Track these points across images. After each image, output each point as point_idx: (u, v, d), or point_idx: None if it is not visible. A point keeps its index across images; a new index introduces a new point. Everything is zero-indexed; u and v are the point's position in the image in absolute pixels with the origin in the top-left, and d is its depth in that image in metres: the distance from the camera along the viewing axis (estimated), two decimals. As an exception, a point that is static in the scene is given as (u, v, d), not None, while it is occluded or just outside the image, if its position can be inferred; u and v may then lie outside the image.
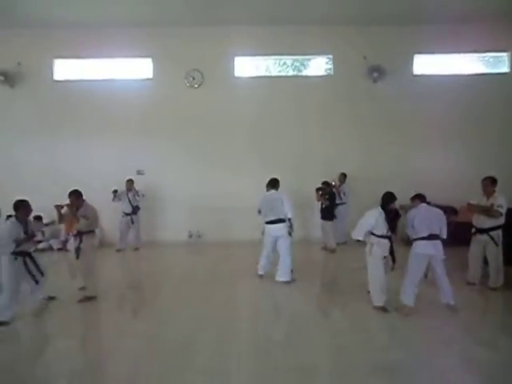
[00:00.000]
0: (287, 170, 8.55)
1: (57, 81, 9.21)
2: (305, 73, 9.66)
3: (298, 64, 9.68)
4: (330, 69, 9.40)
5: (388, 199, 4.83)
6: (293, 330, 4.42)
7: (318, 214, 8.32)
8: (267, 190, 6.24)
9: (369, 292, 4.98)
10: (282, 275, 6.03)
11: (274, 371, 3.48)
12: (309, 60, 9.65)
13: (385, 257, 4.78)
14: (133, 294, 5.96)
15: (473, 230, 5.74)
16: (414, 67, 9.23)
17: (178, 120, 9.18)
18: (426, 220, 4.68)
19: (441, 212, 4.84)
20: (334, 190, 8.36)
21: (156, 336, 4.26)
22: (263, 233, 6.24)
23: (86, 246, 5.50)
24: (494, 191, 5.56)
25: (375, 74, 8.93)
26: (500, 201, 5.44)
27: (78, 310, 5.16)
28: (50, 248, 8.76)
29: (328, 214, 8.11)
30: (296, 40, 9.06)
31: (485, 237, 5.55)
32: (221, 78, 9.19)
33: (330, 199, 8.07)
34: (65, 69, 9.31)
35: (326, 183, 8.28)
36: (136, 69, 9.35)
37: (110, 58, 9.28)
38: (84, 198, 5.53)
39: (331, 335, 4.24)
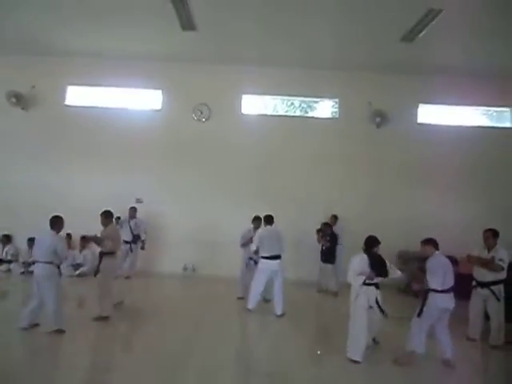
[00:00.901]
0: (286, 209, 8.55)
1: (68, 106, 9.44)
2: (311, 114, 9.85)
3: (304, 105, 9.90)
4: (335, 112, 9.60)
5: (371, 243, 4.68)
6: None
7: (319, 256, 8.17)
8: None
9: (373, 340, 4.77)
10: (280, 309, 6.14)
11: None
12: (316, 102, 9.87)
13: (370, 307, 4.52)
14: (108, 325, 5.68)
15: (473, 283, 5.54)
16: (418, 115, 9.40)
17: (183, 152, 9.28)
18: (446, 271, 4.44)
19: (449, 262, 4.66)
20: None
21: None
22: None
23: (105, 267, 5.65)
24: (496, 244, 5.42)
25: (378, 120, 9.10)
26: (501, 254, 5.28)
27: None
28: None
29: (329, 256, 7.91)
30: (304, 82, 9.33)
31: (486, 291, 5.34)
32: (228, 113, 9.38)
33: (330, 241, 7.92)
34: (77, 95, 9.57)
35: (326, 224, 8.19)
36: (146, 100, 9.60)
37: (121, 88, 9.55)
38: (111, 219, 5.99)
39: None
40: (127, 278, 8.38)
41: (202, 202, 9.17)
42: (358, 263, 4.57)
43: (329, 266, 7.92)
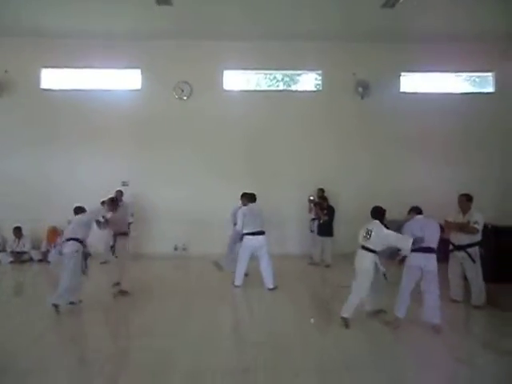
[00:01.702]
0: (273, 184, 8.64)
1: (44, 89, 9.15)
2: (294, 88, 9.74)
3: (287, 79, 9.76)
4: (319, 84, 9.49)
5: (382, 212, 4.80)
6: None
7: (307, 230, 8.31)
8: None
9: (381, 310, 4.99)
10: (271, 282, 6.32)
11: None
12: (299, 75, 9.74)
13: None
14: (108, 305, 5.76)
15: (450, 247, 5.71)
16: (401, 84, 9.36)
17: (166, 131, 9.14)
18: (421, 232, 4.59)
19: (437, 224, 4.81)
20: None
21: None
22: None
23: (120, 246, 6.10)
24: (470, 208, 5.57)
25: (361, 90, 9.03)
26: (476, 217, 5.43)
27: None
28: (31, 259, 8.56)
29: (327, 229, 7.99)
30: (286, 55, 9.15)
31: (462, 253, 5.52)
32: (210, 90, 9.20)
33: (328, 213, 8.00)
34: (53, 78, 9.25)
35: (322, 198, 8.23)
36: (125, 80, 9.34)
37: (98, 69, 9.26)
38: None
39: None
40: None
41: (189, 181, 9.11)
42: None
43: (327, 239, 8.03)
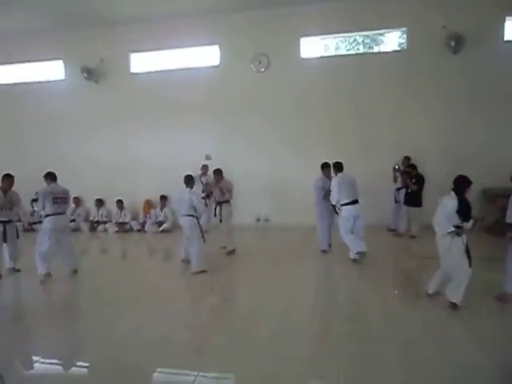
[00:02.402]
0: (355, 154, 8.35)
1: (133, 73, 9.87)
2: (376, 49, 9.11)
3: (368, 40, 9.16)
4: (403, 43, 8.74)
5: (463, 184, 4.21)
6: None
7: (391, 200, 8.02)
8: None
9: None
10: (363, 246, 6.06)
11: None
12: (381, 35, 9.06)
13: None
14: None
15: None
16: (499, 32, 8.15)
17: (245, 105, 9.28)
18: None
19: None
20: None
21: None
22: (337, 212, 6.33)
23: (224, 212, 6.95)
24: None
25: (453, 43, 8.05)
26: None
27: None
28: (131, 229, 9.57)
29: (416, 199, 7.58)
30: (366, 15, 8.53)
31: None
32: (287, 60, 9.05)
33: (417, 182, 7.55)
34: (140, 62, 9.93)
35: (411, 166, 7.77)
36: (204, 57, 9.61)
37: (179, 48, 9.65)
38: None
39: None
40: (205, 231, 8.96)
41: (269, 153, 9.25)
42: (451, 207, 4.15)
43: (415, 209, 7.62)
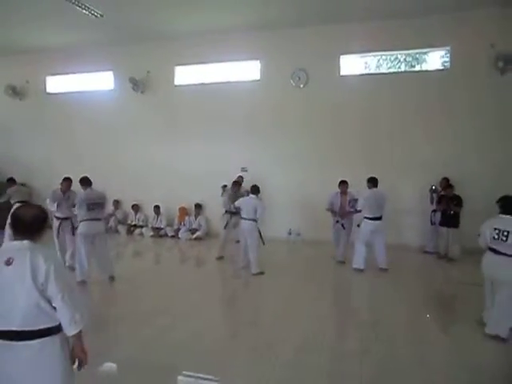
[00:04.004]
0: (389, 173, 8.22)
1: (177, 85, 10.32)
2: (418, 68, 9.01)
3: (410, 59, 9.08)
4: (446, 62, 8.59)
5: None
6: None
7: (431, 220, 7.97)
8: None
9: None
10: (385, 263, 6.65)
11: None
12: (424, 54, 8.96)
13: None
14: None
15: None
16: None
17: (282, 119, 9.42)
18: None
19: None
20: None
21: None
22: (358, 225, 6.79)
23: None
24: None
25: (501, 64, 7.83)
26: None
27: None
28: (166, 234, 9.89)
29: (454, 219, 7.42)
30: (409, 33, 8.46)
31: None
32: (326, 77, 9.13)
33: (458, 204, 7.39)
34: (183, 74, 10.35)
35: (449, 186, 7.62)
36: (246, 71, 9.88)
37: (221, 63, 9.99)
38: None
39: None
40: (237, 242, 9.11)
41: (303, 168, 9.31)
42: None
43: (453, 230, 7.44)
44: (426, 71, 8.80)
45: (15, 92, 11.49)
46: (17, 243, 2.10)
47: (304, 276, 6.58)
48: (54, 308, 2.05)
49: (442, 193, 7.72)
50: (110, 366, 3.67)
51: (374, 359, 3.68)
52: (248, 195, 7.04)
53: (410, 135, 8.63)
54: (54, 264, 2.06)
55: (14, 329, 2.00)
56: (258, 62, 9.67)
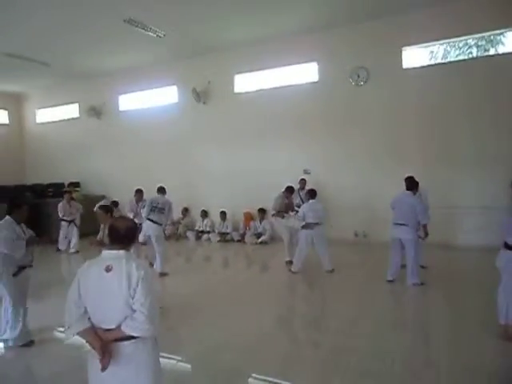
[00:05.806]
0: (463, 169, 7.67)
1: (236, 93, 10.59)
2: (493, 52, 8.22)
3: (483, 43, 8.33)
4: (527, 42, 7.77)
5: None
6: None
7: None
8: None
9: None
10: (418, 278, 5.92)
11: None
12: (499, 35, 8.14)
13: None
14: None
15: None
16: None
17: (343, 119, 9.24)
18: None
19: None
20: None
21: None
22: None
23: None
24: None
25: None
26: None
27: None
28: (232, 239, 10.16)
29: None
30: (478, 14, 7.77)
31: None
32: (387, 72, 8.75)
33: None
34: (242, 82, 10.61)
35: None
36: (303, 74, 9.83)
37: (279, 67, 10.06)
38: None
39: None
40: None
41: (367, 168, 9.02)
42: None
43: None
44: (503, 54, 8.02)
45: (96, 112, 12.65)
46: (114, 252, 2.34)
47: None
48: (134, 311, 2.21)
49: None
50: (183, 366, 3.87)
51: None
52: (308, 201, 7.05)
53: (487, 127, 7.92)
54: (144, 271, 2.27)
55: (113, 327, 2.23)
56: (316, 63, 9.57)
